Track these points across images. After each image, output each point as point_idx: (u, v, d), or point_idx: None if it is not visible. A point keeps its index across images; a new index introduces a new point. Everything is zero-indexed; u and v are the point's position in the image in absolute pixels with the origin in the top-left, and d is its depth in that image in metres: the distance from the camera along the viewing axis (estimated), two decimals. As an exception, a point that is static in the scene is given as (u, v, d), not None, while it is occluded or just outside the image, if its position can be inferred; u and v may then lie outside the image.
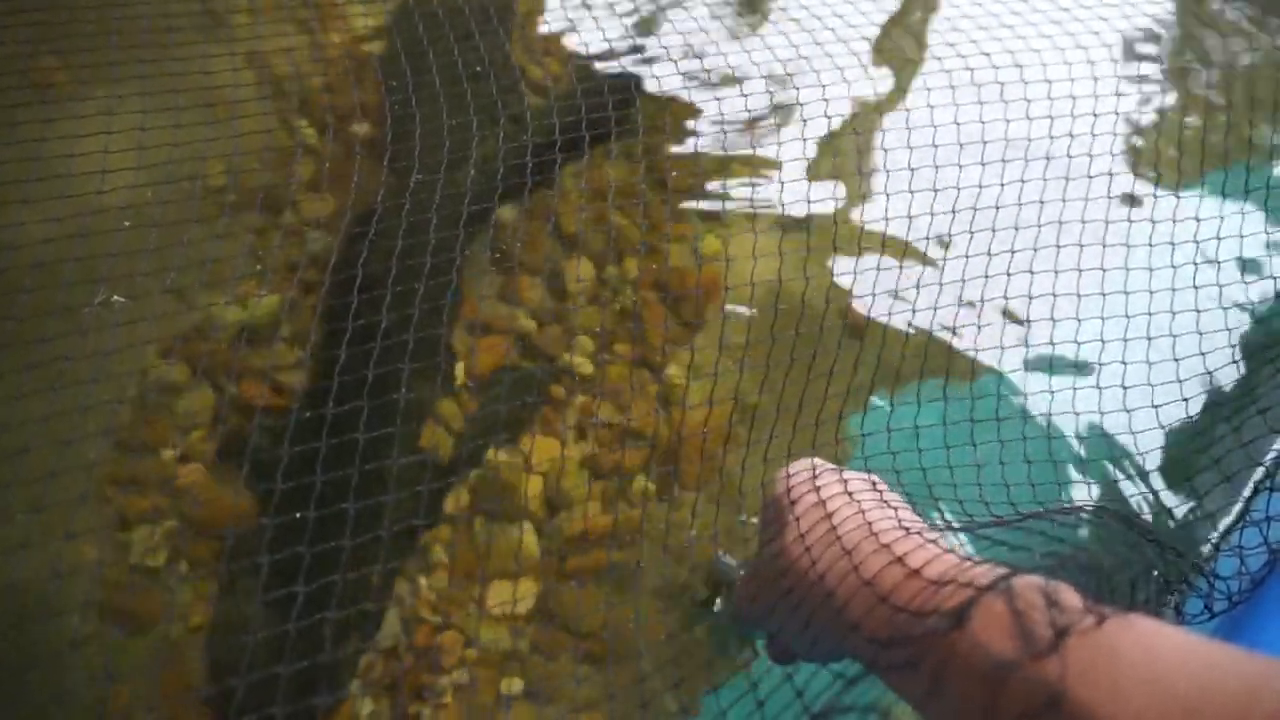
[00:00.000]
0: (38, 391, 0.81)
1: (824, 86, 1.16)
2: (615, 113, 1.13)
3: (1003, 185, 1.05)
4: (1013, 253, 0.99)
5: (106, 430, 0.94)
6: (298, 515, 0.72)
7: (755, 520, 0.67)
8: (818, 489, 0.54)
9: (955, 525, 0.59)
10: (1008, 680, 0.34)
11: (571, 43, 1.31)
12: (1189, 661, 0.33)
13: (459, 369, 1.04)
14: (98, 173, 0.94)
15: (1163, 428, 0.93)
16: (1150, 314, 1.00)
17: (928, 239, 1.01)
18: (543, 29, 1.33)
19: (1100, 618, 0.34)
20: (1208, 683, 0.31)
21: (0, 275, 0.92)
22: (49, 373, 0.82)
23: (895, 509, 0.52)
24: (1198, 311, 1.02)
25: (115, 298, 0.95)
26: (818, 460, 0.56)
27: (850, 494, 0.53)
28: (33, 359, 0.82)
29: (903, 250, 1.07)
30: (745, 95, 1.18)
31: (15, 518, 0.77)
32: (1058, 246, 1.02)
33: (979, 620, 0.37)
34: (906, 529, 0.50)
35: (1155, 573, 0.53)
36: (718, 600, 0.85)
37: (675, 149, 1.22)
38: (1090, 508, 0.66)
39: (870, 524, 0.50)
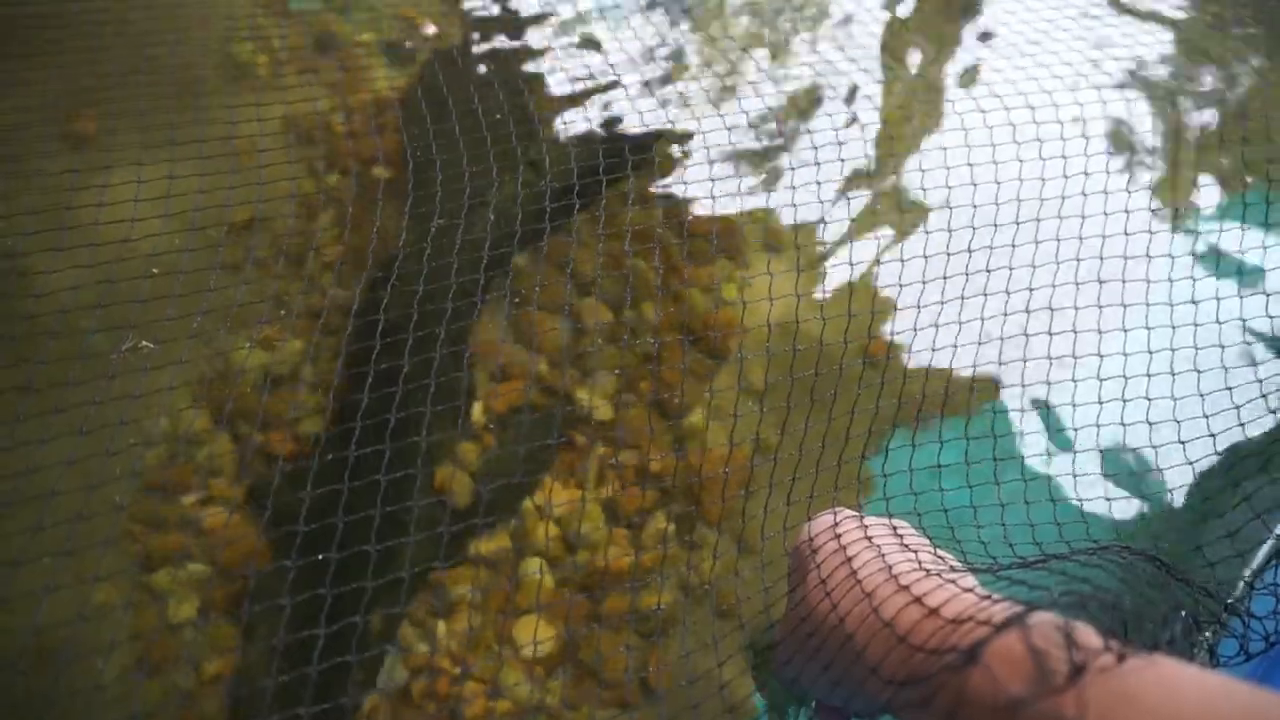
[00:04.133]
0: (64, 435, 0.82)
1: (837, 131, 1.17)
2: (633, 157, 1.14)
3: (1018, 224, 1.05)
4: (1031, 290, 0.99)
5: (132, 474, 0.95)
6: (319, 557, 0.72)
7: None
8: (838, 536, 0.54)
9: (978, 567, 0.58)
10: (1025, 717, 0.33)
11: (590, 88, 1.33)
12: (1216, 704, 0.32)
13: (477, 410, 1.05)
14: (127, 221, 0.96)
15: (1190, 463, 0.92)
16: (1173, 349, 0.99)
17: (944, 278, 1.01)
18: (560, 76, 1.35)
19: (1120, 656, 0.34)
20: None
21: (29, 321, 0.94)
22: (75, 417, 0.83)
23: (916, 552, 0.51)
24: (1222, 346, 1.01)
25: (144, 343, 0.96)
26: (840, 509, 0.56)
27: (870, 539, 0.53)
28: (60, 403, 0.84)
29: (921, 288, 1.07)
30: (761, 138, 1.20)
31: (42, 560, 0.78)
32: (1076, 284, 1.01)
33: (994, 657, 0.36)
34: (927, 570, 0.49)
35: (1184, 613, 0.52)
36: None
37: (692, 192, 1.23)
38: (1116, 547, 0.65)
39: (889, 567, 0.49)
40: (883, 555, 0.51)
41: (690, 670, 0.85)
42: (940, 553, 0.54)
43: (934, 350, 0.95)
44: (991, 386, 1.00)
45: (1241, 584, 0.82)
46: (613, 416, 1.06)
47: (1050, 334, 0.98)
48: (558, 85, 1.33)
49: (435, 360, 0.90)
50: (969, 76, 1.32)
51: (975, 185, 1.07)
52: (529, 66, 1.35)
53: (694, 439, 1.05)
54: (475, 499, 0.97)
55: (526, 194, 1.11)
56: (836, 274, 1.15)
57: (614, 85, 1.31)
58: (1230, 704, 0.32)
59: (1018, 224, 1.05)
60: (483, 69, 1.32)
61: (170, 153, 1.07)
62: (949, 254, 1.00)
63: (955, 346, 0.95)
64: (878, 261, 1.16)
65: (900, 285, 1.00)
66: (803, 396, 0.90)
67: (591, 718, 0.89)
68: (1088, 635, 0.35)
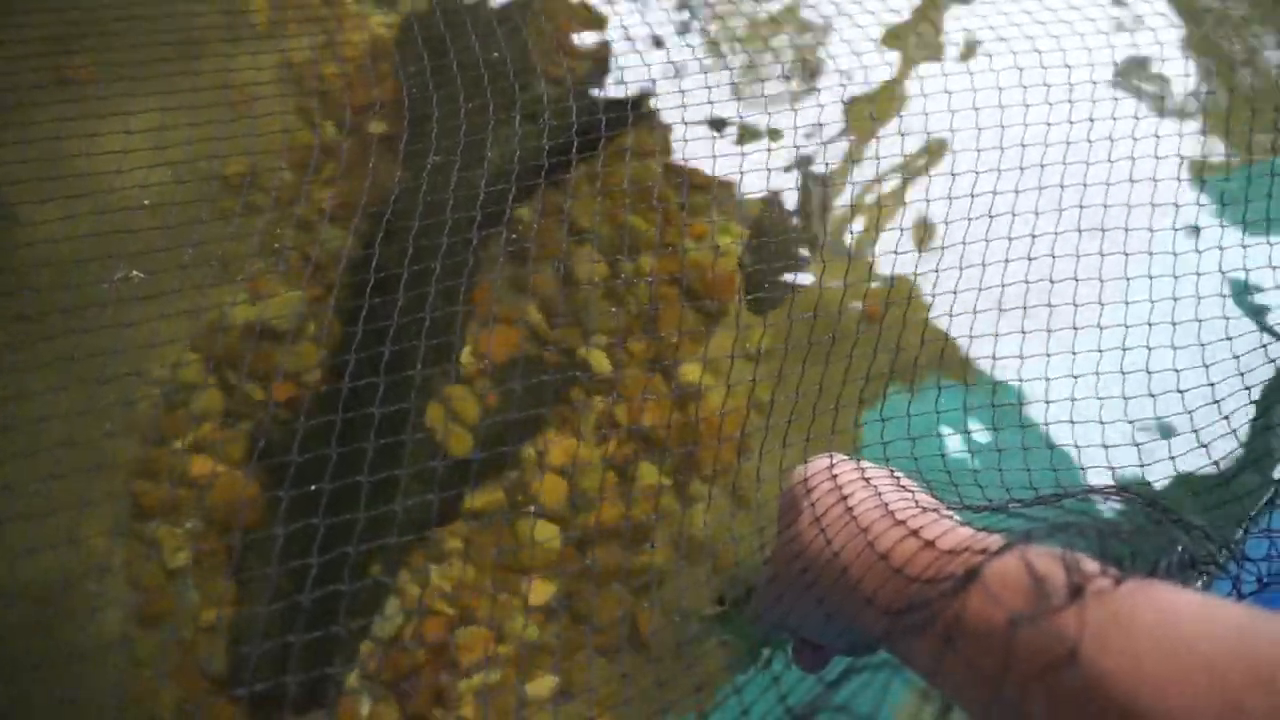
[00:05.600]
0: (54, 390, 0.82)
1: (844, 79, 1.15)
2: (631, 111, 1.13)
3: (1021, 170, 1.04)
4: (1034, 237, 0.98)
5: (129, 427, 0.94)
6: (313, 487, 0.72)
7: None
8: (834, 477, 0.53)
9: (974, 506, 0.58)
10: (1022, 636, 0.33)
11: (590, 38, 1.31)
12: (1213, 625, 0.32)
13: (472, 362, 1.04)
14: (113, 172, 0.95)
15: (1189, 411, 0.92)
16: (1175, 298, 0.99)
17: (947, 222, 1.00)
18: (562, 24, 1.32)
19: (1116, 580, 0.33)
20: (1235, 645, 0.30)
21: (15, 274, 0.93)
22: (65, 370, 0.82)
23: (912, 492, 0.51)
24: (1223, 296, 1.00)
25: (134, 273, 0.95)
26: (835, 454, 0.56)
27: (867, 479, 0.53)
28: (47, 356, 0.83)
29: (922, 238, 1.06)
30: (763, 87, 1.18)
31: (46, 519, 0.78)
32: (1079, 230, 1.00)
33: (993, 578, 0.36)
34: (923, 508, 0.49)
35: (1180, 548, 0.52)
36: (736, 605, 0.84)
37: (690, 143, 1.21)
38: (1114, 489, 0.65)
39: (886, 503, 0.49)
40: (879, 493, 0.51)
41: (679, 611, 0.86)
42: (935, 497, 0.53)
43: (934, 296, 0.94)
44: (991, 336, 0.99)
45: (1237, 528, 0.83)
46: (609, 367, 1.05)
47: (1051, 281, 0.97)
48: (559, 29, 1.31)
49: (427, 314, 0.89)
50: (974, 29, 1.30)
51: (979, 130, 1.06)
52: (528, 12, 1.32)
53: (690, 391, 1.04)
54: (473, 445, 0.97)
55: (526, 145, 1.09)
56: (836, 225, 1.14)
57: (617, 34, 1.29)
58: (1225, 624, 0.32)
59: (1035, 175, 1.04)
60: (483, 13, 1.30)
61: (161, 101, 1.06)
62: (957, 197, 0.99)
63: (955, 293, 0.94)
64: (879, 212, 1.15)
65: (900, 230, 0.99)
66: (800, 345, 0.90)
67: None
68: (1086, 562, 0.35)
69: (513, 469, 0.98)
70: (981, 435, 0.85)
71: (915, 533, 0.45)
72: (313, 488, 0.74)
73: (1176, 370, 0.94)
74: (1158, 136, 1.08)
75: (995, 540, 0.41)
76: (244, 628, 0.87)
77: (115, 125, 0.98)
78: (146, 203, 0.98)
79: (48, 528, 0.77)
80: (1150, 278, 1.00)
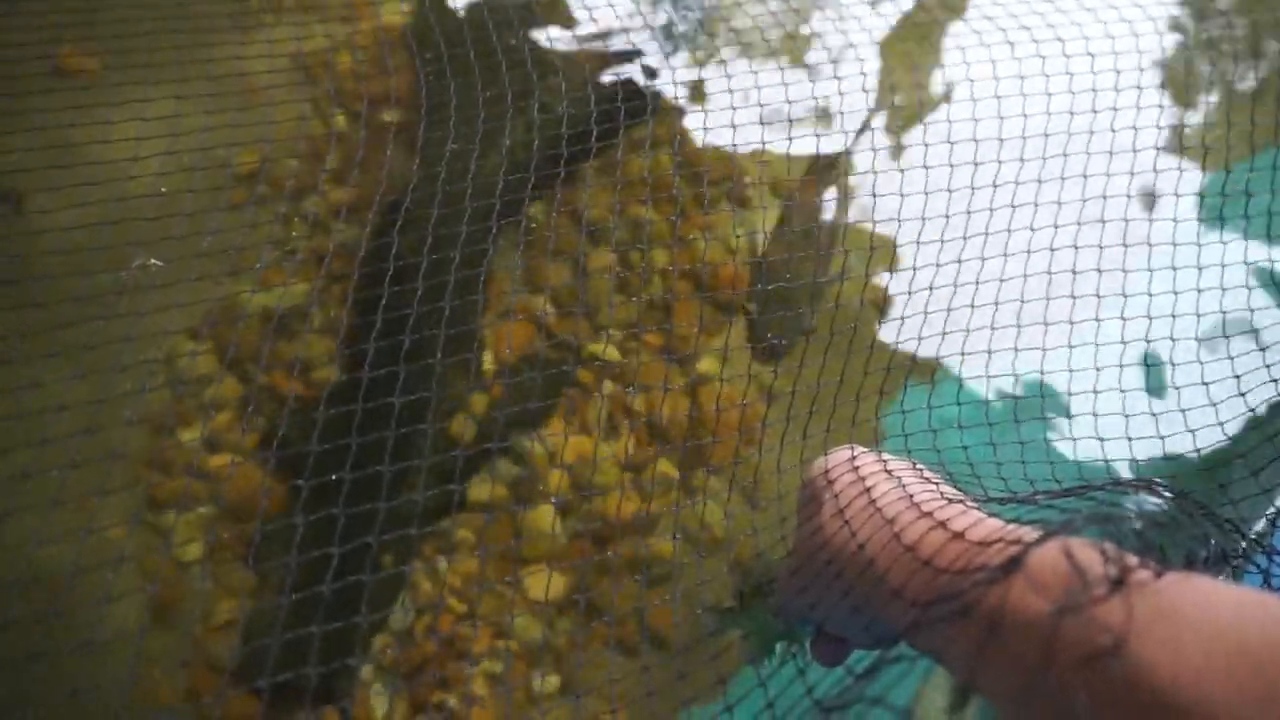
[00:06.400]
0: (66, 379, 0.81)
1: (864, 75, 1.14)
2: (648, 102, 1.11)
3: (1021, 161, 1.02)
4: (1056, 228, 0.97)
5: (143, 418, 0.94)
6: (333, 478, 0.72)
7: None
8: (856, 468, 0.52)
9: (999, 497, 0.57)
10: (1065, 627, 0.32)
11: (607, 37, 1.30)
12: (1255, 616, 0.31)
13: (487, 356, 1.04)
14: (128, 160, 0.94)
15: (1214, 404, 0.90)
16: (1199, 290, 0.97)
17: (969, 212, 0.99)
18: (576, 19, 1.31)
19: (1158, 572, 0.33)
20: (1276, 634, 0.30)
21: (26, 261, 0.92)
22: (77, 359, 0.82)
23: (936, 484, 0.50)
24: (1248, 288, 0.99)
25: (152, 261, 0.94)
26: (856, 446, 0.55)
27: (889, 471, 0.52)
28: (58, 346, 0.82)
29: (940, 235, 1.05)
30: (785, 83, 1.16)
31: (60, 509, 0.77)
32: (1102, 221, 0.99)
33: (1033, 567, 0.35)
34: (948, 499, 0.48)
35: (1213, 541, 0.51)
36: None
37: (706, 137, 1.20)
38: (1141, 482, 0.64)
39: (910, 495, 0.48)
40: (903, 485, 0.50)
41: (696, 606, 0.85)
42: (958, 489, 0.53)
43: (956, 288, 0.93)
44: (1012, 327, 0.98)
45: (1265, 520, 0.81)
46: (622, 359, 1.05)
47: (1074, 272, 0.96)
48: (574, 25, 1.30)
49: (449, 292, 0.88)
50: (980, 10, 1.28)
51: (976, 120, 1.04)
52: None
53: (706, 384, 1.03)
54: (483, 434, 0.96)
55: (542, 137, 1.08)
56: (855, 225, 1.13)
57: (635, 27, 1.28)
58: (1265, 614, 0.31)
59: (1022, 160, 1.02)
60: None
61: (176, 90, 1.05)
62: (969, 188, 0.98)
63: (976, 284, 0.93)
64: (898, 209, 1.14)
65: (900, 221, 0.97)
66: (820, 337, 0.89)
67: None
68: (1124, 554, 0.34)
69: (523, 462, 0.98)
70: (1003, 428, 0.84)
71: (943, 524, 0.45)
72: (333, 477, 0.73)
73: (1201, 362, 0.93)
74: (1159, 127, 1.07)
75: (1027, 532, 0.40)
76: (260, 620, 0.87)
77: (127, 114, 0.97)
78: (164, 190, 0.98)
79: (62, 517, 0.77)
80: (1174, 269, 0.99)
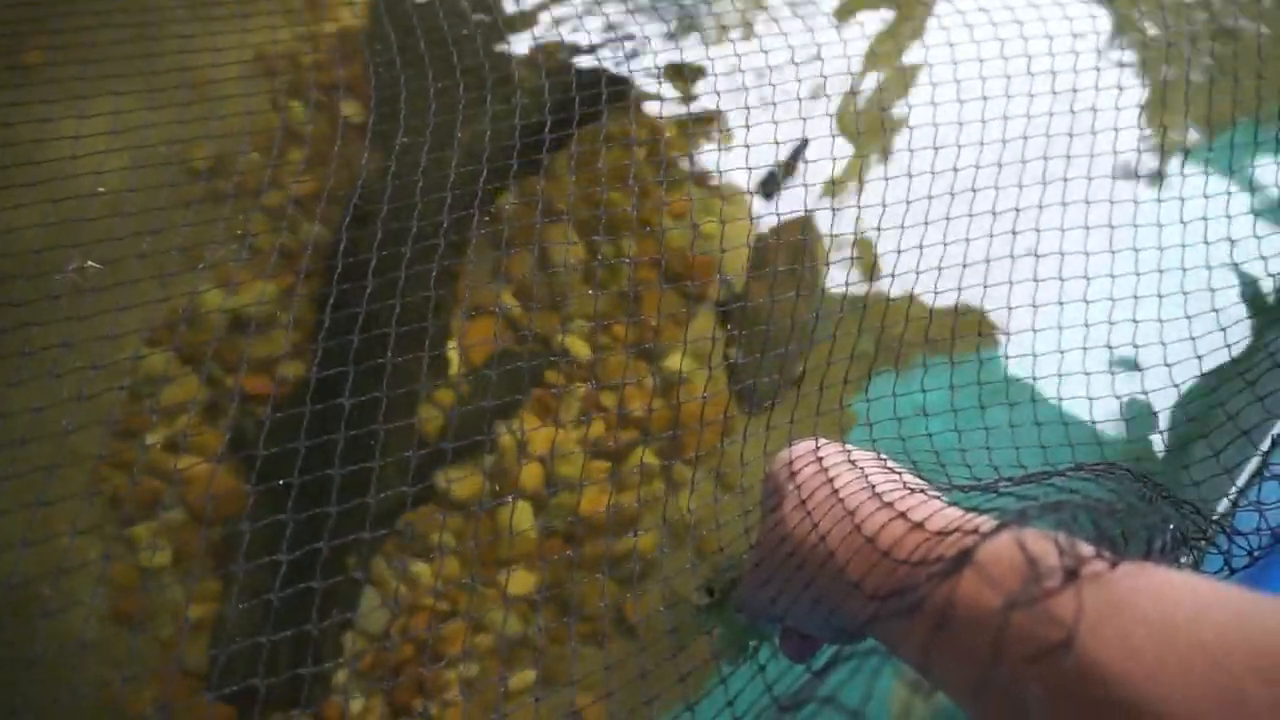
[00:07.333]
0: (23, 381, 0.79)
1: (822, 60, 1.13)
2: (607, 89, 1.10)
3: (1005, 142, 1.02)
4: (1018, 210, 0.97)
5: (104, 420, 0.92)
6: (282, 482, 0.70)
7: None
8: (819, 460, 0.52)
9: (962, 485, 0.57)
10: (1016, 620, 0.31)
11: (566, 26, 1.28)
12: (1210, 610, 0.30)
13: (453, 353, 1.02)
14: (69, 158, 0.92)
15: (1176, 385, 0.91)
16: (1161, 270, 0.98)
17: (930, 198, 0.99)
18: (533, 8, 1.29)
19: (1112, 563, 0.32)
20: (1233, 632, 0.29)
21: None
22: (19, 365, 0.79)
23: (899, 474, 0.50)
24: (1209, 268, 0.99)
25: (89, 263, 0.92)
26: (821, 438, 0.54)
27: (853, 462, 0.51)
28: (10, 349, 0.80)
29: (905, 215, 1.04)
30: (739, 58, 1.15)
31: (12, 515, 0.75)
32: (1064, 204, 0.99)
33: (986, 559, 0.35)
34: (910, 489, 0.48)
35: (1171, 526, 0.51)
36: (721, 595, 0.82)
37: (668, 122, 1.19)
38: (1103, 466, 0.64)
39: (872, 486, 0.48)
40: (865, 475, 0.50)
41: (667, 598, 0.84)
42: (922, 478, 0.52)
43: (918, 274, 0.93)
44: (977, 313, 0.98)
45: (1227, 501, 0.82)
46: (589, 352, 1.03)
47: (1036, 255, 0.96)
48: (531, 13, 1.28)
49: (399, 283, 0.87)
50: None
51: (961, 102, 1.04)
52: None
53: (672, 375, 1.03)
54: (446, 428, 0.95)
55: (498, 128, 1.07)
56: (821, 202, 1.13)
57: (593, 19, 1.26)
58: (1223, 609, 0.30)
59: (1005, 141, 1.02)
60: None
61: (119, 84, 1.02)
62: (933, 172, 0.98)
63: (939, 269, 0.93)
64: (862, 190, 1.13)
65: (884, 205, 0.97)
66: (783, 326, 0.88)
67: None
68: (1079, 543, 0.34)
69: (492, 455, 0.97)
70: (968, 414, 0.84)
71: (903, 514, 0.44)
72: (290, 480, 0.72)
73: (1164, 343, 0.93)
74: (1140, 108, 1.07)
75: (986, 521, 0.39)
76: (226, 625, 0.85)
77: (68, 110, 0.94)
78: (101, 190, 0.95)
79: (13, 523, 0.75)
80: (1135, 250, 0.99)
